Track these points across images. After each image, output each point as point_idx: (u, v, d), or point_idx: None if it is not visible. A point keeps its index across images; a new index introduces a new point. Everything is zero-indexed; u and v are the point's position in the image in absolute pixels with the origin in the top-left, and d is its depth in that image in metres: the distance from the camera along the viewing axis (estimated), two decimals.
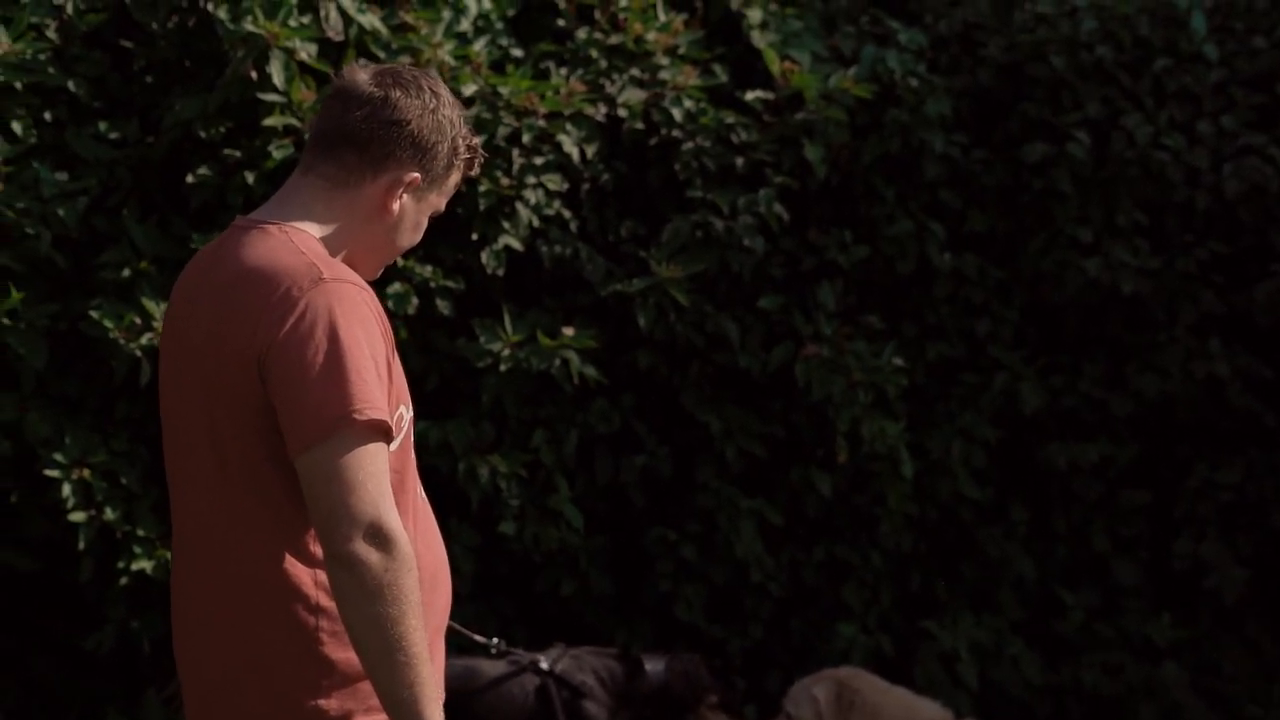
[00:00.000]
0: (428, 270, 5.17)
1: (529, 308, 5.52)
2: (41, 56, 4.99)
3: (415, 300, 5.18)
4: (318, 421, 2.65)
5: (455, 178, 3.01)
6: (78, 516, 4.84)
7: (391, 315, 5.08)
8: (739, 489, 5.70)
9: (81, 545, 4.84)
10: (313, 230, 2.86)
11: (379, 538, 2.62)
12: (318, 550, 2.73)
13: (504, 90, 5.14)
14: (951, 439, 5.90)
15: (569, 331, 5.22)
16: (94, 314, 4.79)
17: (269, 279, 2.75)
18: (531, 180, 5.27)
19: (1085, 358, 6.22)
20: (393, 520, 2.64)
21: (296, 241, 2.81)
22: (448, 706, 2.85)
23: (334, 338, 2.68)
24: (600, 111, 5.50)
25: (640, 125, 5.54)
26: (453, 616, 4.80)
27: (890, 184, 5.98)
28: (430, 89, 2.93)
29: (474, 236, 5.25)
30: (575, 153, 5.38)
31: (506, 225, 5.29)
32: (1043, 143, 6.03)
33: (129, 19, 5.15)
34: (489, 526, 5.42)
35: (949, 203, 6.05)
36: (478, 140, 3.06)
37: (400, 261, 5.13)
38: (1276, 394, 6.26)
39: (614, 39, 5.56)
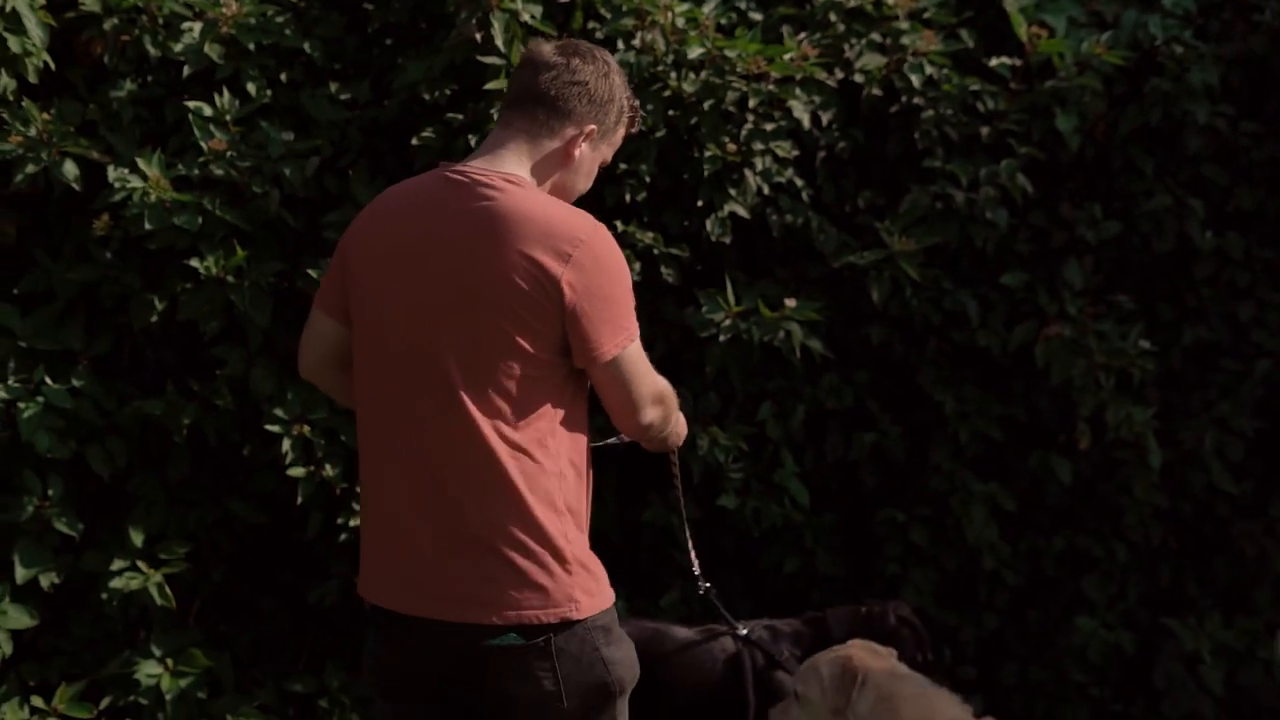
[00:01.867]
0: (649, 237, 5.08)
1: (759, 278, 5.40)
2: (280, 19, 5.08)
3: (639, 266, 5.11)
4: (613, 336, 3.31)
5: (621, 133, 3.60)
6: (297, 471, 4.91)
7: None
8: (973, 472, 5.49)
9: (300, 500, 4.91)
10: (523, 176, 3.40)
11: (665, 399, 3.49)
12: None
13: (730, 54, 5.01)
14: (1206, 428, 5.58)
15: (791, 303, 5.08)
16: (312, 272, 4.84)
17: (545, 223, 3.29)
18: (759, 147, 5.13)
19: None
20: (661, 381, 3.48)
21: (538, 194, 3.38)
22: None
23: (616, 274, 3.33)
24: (836, 77, 5.33)
25: (879, 91, 5.36)
26: (679, 589, 4.78)
27: (1149, 157, 5.67)
28: (602, 58, 3.53)
29: (699, 203, 5.14)
30: (806, 119, 5.23)
31: (733, 192, 5.16)
32: None
33: None
34: (711, 499, 5.32)
35: (1214, 178, 5.71)
36: (636, 101, 3.62)
37: (621, 226, 5.08)
38: None
39: (854, 2, 5.38)
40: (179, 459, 5.00)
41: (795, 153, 5.23)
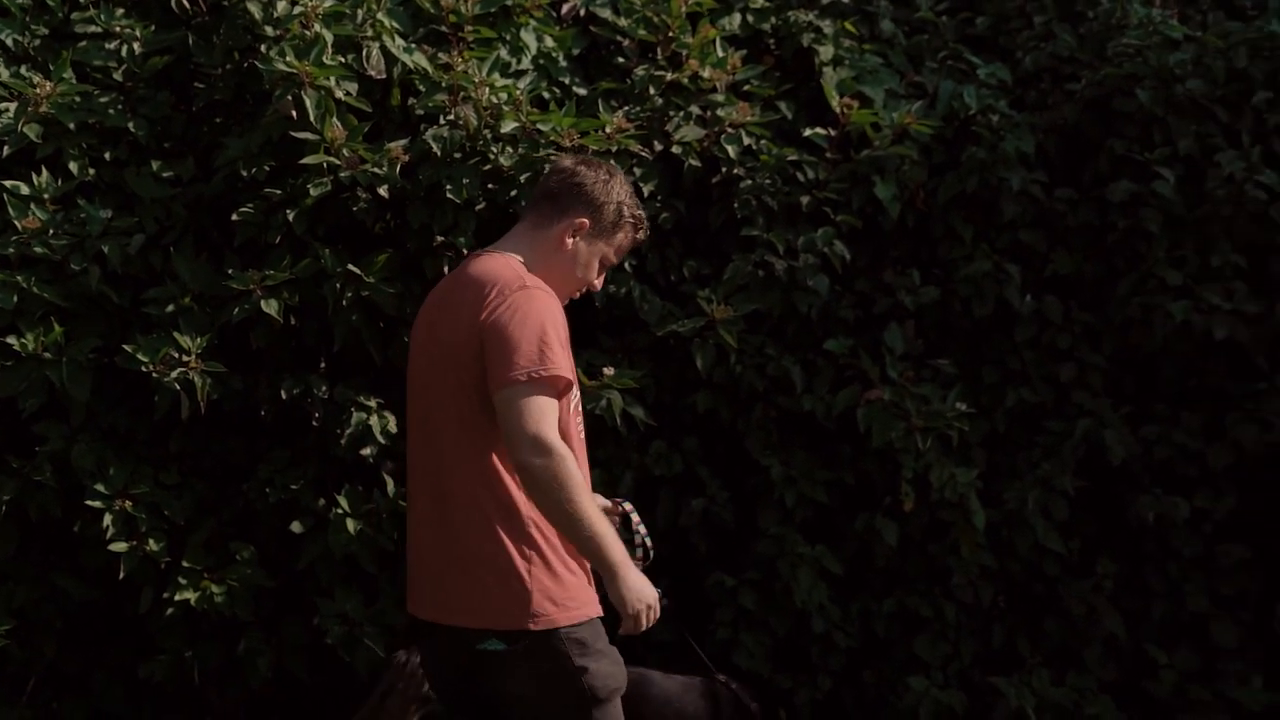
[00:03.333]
0: None
1: (586, 347, 5.48)
2: (104, 99, 5.15)
3: None
4: (506, 371, 3.89)
5: (622, 237, 4.28)
6: (119, 546, 4.94)
7: None
8: (801, 536, 5.56)
9: (122, 575, 4.93)
10: (520, 256, 4.15)
11: (540, 448, 3.84)
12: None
13: (544, 128, 5.11)
14: (1030, 489, 5.68)
15: (609, 371, 5.15)
16: (128, 348, 4.88)
17: (489, 283, 4.02)
18: None
19: (1183, 407, 5.92)
20: (550, 436, 3.85)
21: (510, 262, 4.09)
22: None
23: (526, 321, 3.92)
24: (656, 149, 5.44)
25: (697, 163, 5.47)
26: None
27: (968, 224, 5.80)
28: (608, 170, 4.28)
29: None
30: None
31: None
32: (1130, 181, 5.78)
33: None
34: None
35: (1031, 243, 5.84)
36: (641, 211, 4.30)
37: None
38: None
39: (672, 75, 5.50)
40: (3, 535, 5.02)
41: None
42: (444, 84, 5.14)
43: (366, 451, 5.15)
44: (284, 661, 5.29)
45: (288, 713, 5.52)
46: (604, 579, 3.99)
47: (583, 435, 4.24)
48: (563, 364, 3.96)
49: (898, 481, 5.57)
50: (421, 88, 5.18)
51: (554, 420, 3.91)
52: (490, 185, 5.18)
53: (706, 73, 5.46)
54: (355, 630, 5.13)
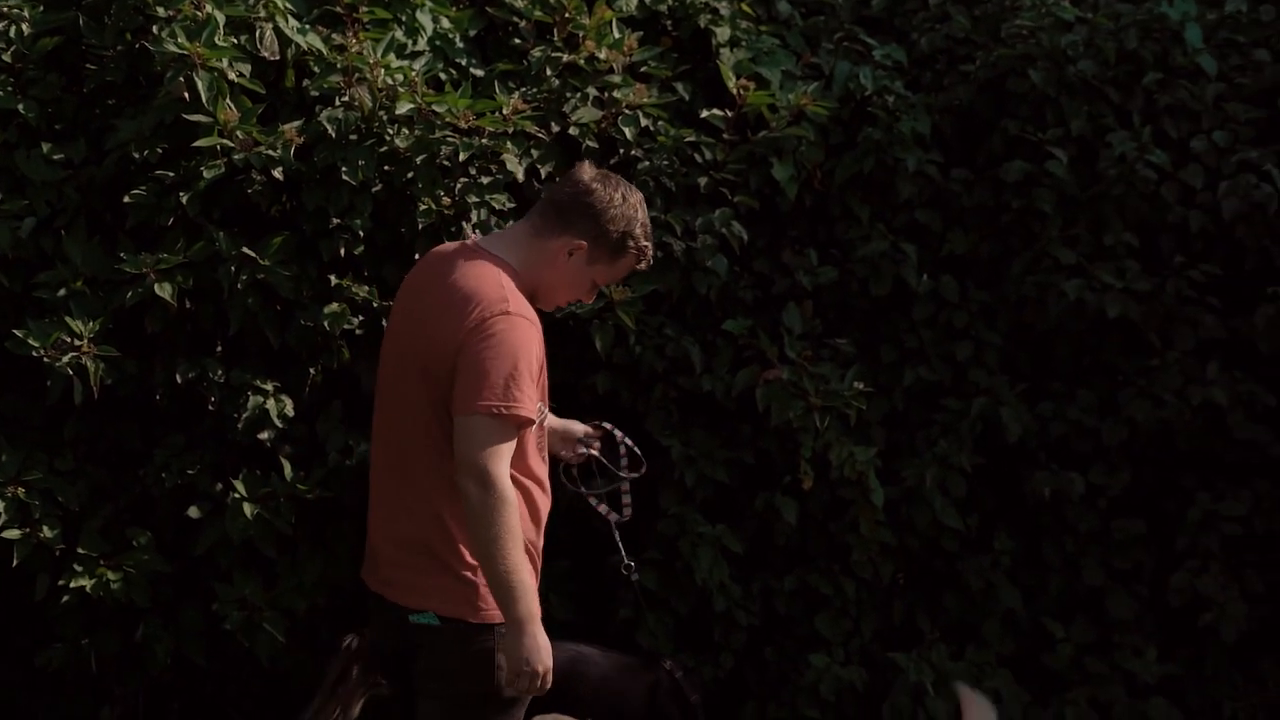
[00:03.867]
0: (365, 290, 5.14)
1: None
2: None
3: (359, 320, 5.16)
4: (472, 400, 3.99)
5: (623, 264, 4.31)
6: (12, 534, 4.89)
7: (327, 334, 5.10)
8: (702, 515, 5.59)
9: (15, 562, 4.88)
10: (513, 260, 4.20)
11: (488, 483, 3.95)
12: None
13: (440, 109, 5.10)
14: (928, 466, 5.72)
15: None
16: (19, 333, 4.83)
17: (473, 300, 4.07)
18: (474, 199, 5.21)
19: (1078, 384, 6.00)
20: (499, 470, 3.97)
21: (498, 274, 4.12)
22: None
23: (500, 352, 4.01)
24: (553, 131, 5.44)
25: (595, 144, 5.47)
26: None
27: (865, 204, 5.84)
28: (624, 193, 4.26)
29: (416, 256, 5.21)
30: (521, 172, 5.32)
31: None
32: (1024, 161, 5.85)
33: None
34: None
35: (927, 223, 5.89)
36: (649, 243, 4.34)
37: (335, 280, 5.14)
38: None
39: (569, 57, 5.50)
40: None
41: (512, 205, 5.32)
42: (339, 65, 5.11)
43: (264, 435, 5.13)
44: (183, 648, 5.25)
45: (187, 699, 5.49)
46: (507, 628, 4.09)
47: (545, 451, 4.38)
48: (526, 402, 4.03)
49: (797, 460, 5.60)
50: (316, 69, 5.16)
51: (507, 456, 4.03)
52: (386, 167, 5.17)
53: (603, 54, 5.46)
54: (254, 616, 5.11)
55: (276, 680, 5.47)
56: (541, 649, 4.09)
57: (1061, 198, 5.89)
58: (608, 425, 4.71)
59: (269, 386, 5.13)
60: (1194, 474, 6.03)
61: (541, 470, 4.32)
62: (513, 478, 4.09)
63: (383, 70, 5.11)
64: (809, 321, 5.74)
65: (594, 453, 4.85)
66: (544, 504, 4.35)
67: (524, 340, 4.07)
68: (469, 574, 4.13)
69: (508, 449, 4.03)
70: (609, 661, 5.10)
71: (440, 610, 4.15)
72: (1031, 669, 5.87)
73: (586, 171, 4.29)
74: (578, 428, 4.82)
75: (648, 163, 5.51)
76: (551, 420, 4.66)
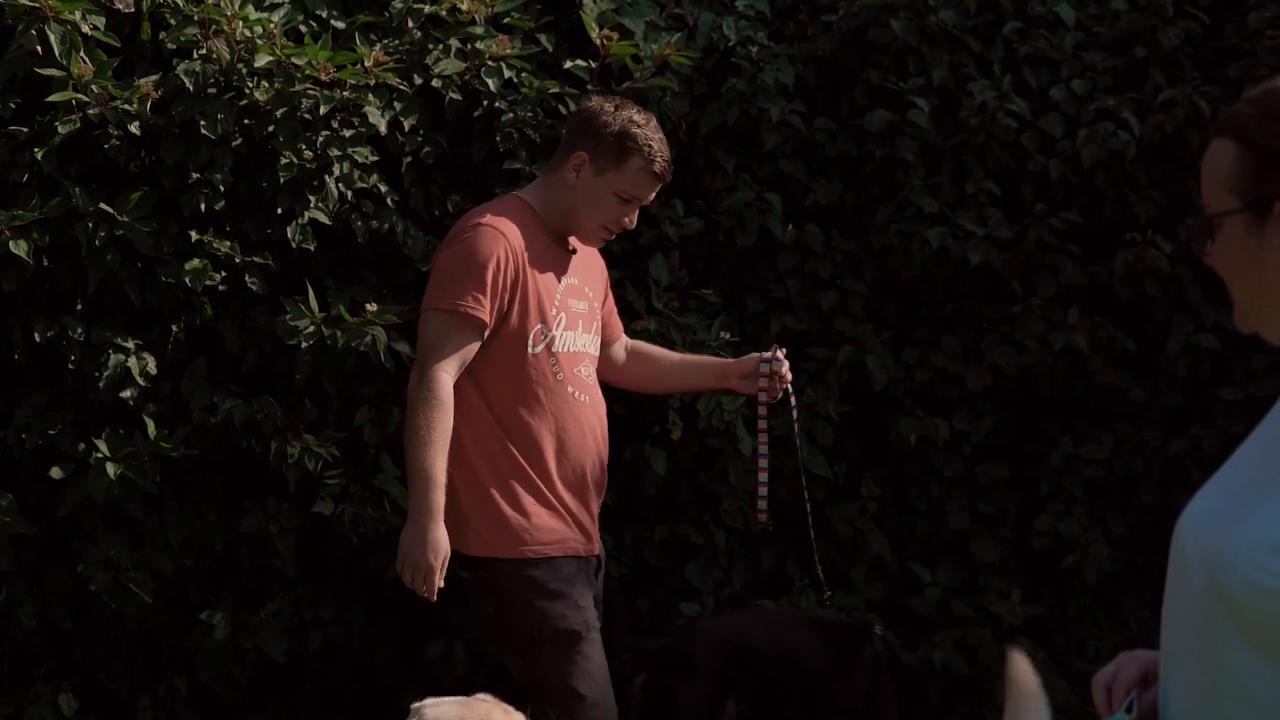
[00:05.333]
0: (227, 246, 5.09)
1: (350, 284, 5.44)
2: None
3: (221, 275, 5.12)
4: (426, 299, 4.22)
5: (634, 168, 4.28)
6: None
7: (189, 291, 5.05)
8: None
9: None
10: (530, 198, 4.36)
11: (424, 379, 4.11)
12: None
13: (300, 61, 5.05)
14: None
15: (372, 307, 5.12)
16: None
17: (462, 219, 4.33)
18: (337, 153, 5.17)
19: (942, 331, 6.07)
20: (436, 369, 4.11)
21: (503, 203, 4.36)
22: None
23: (460, 254, 4.16)
24: (416, 83, 5.40)
25: (458, 96, 5.44)
26: (284, 598, 4.93)
27: (730, 155, 5.86)
28: (617, 104, 4.37)
29: (279, 211, 5.17)
30: (383, 125, 5.29)
31: (314, 199, 5.20)
32: (886, 110, 5.89)
33: None
34: (308, 506, 5.33)
35: (792, 173, 5.92)
36: (654, 142, 4.31)
37: (196, 235, 5.09)
38: (1141, 367, 6.09)
39: (431, 8, 5.46)
40: None
41: (375, 158, 5.29)
42: (195, 17, 5.05)
43: (126, 394, 5.07)
44: (48, 611, 5.20)
45: (53, 663, 5.42)
46: (407, 518, 4.17)
47: (574, 384, 4.34)
48: (476, 303, 4.12)
49: (666, 411, 5.63)
50: (172, 21, 5.09)
51: (451, 353, 4.14)
52: (246, 121, 5.12)
53: (465, 5, 5.42)
54: (121, 576, 5.07)
55: (144, 640, 5.43)
56: (430, 545, 4.11)
57: (924, 147, 5.95)
58: (780, 354, 4.62)
59: (130, 344, 5.07)
60: (1056, 419, 6.13)
61: (554, 402, 4.30)
62: (512, 408, 4.22)
63: (240, 22, 5.05)
64: (676, 273, 5.77)
65: (781, 375, 4.63)
66: (560, 437, 4.32)
67: (488, 246, 4.15)
68: (467, 511, 4.24)
69: (453, 346, 4.13)
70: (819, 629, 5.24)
71: (461, 550, 4.25)
72: (900, 613, 5.95)
73: (594, 102, 4.47)
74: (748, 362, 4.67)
75: (511, 115, 5.49)
76: (699, 360, 4.85)
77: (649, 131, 4.33)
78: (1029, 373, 6.00)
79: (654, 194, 4.44)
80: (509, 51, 5.44)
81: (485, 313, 4.15)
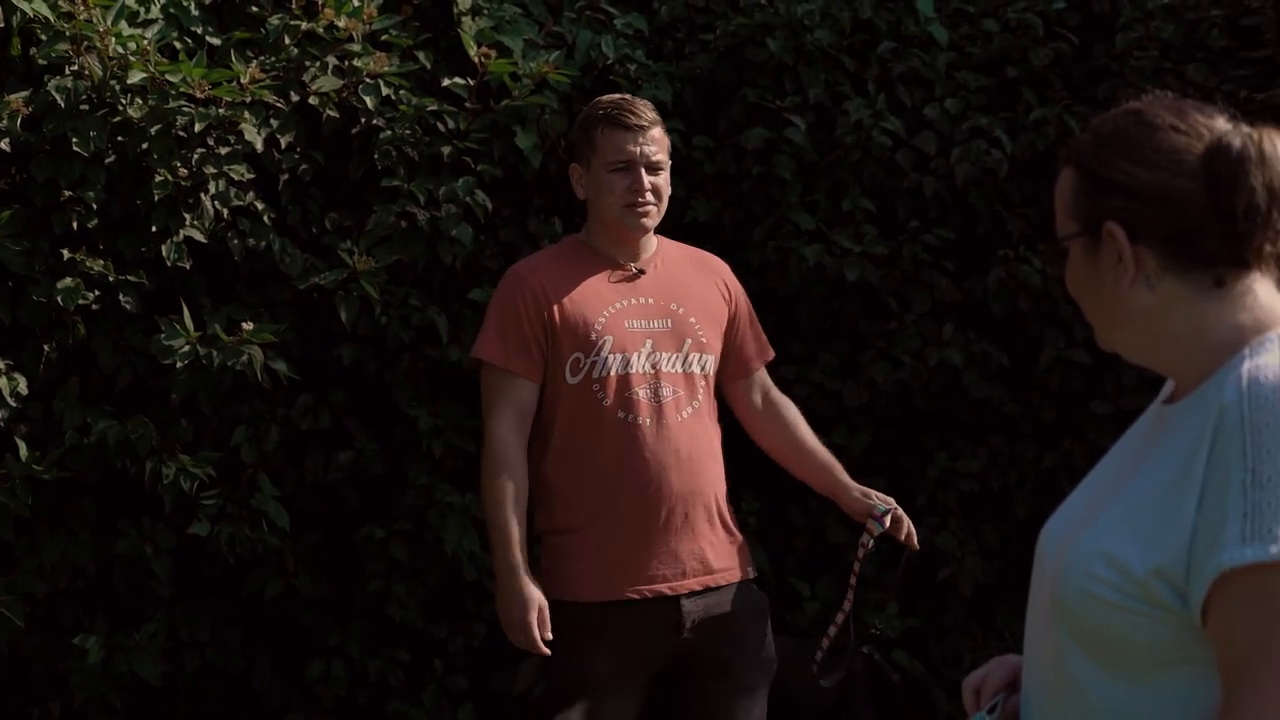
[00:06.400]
0: (99, 264, 5.02)
1: (226, 302, 5.39)
2: None
3: (95, 294, 5.06)
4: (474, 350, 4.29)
5: (601, 134, 4.22)
6: None
7: (62, 310, 4.98)
8: (450, 485, 5.58)
9: None
10: (582, 232, 4.48)
11: (483, 438, 4.17)
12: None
13: (174, 79, 5.00)
14: None
15: (249, 326, 5.08)
16: None
17: None
18: (212, 170, 5.13)
19: (820, 347, 6.12)
20: (491, 425, 4.16)
21: (555, 244, 4.64)
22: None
23: (490, 308, 4.27)
24: (293, 100, 5.37)
25: (336, 114, 5.42)
26: (160, 620, 4.87)
27: None
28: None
29: (154, 229, 5.11)
30: (260, 142, 5.25)
31: (189, 217, 5.15)
32: (764, 128, 5.94)
33: None
34: (185, 527, 5.28)
35: (671, 191, 5.94)
36: (612, 99, 4.29)
37: (68, 254, 5.02)
38: (1015, 382, 6.19)
39: (308, 25, 5.43)
40: None
41: (251, 176, 5.25)
42: (67, 33, 4.97)
43: None
44: None
45: None
46: (502, 579, 4.14)
47: (627, 408, 4.17)
48: (487, 348, 4.19)
49: None
50: (43, 37, 5.01)
51: (496, 406, 4.17)
52: (120, 138, 5.05)
53: (342, 22, 5.40)
54: None
55: (17, 666, 5.34)
56: (517, 601, 4.05)
57: (800, 164, 6.00)
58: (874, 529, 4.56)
59: (1, 365, 4.99)
60: (932, 433, 6.21)
61: (598, 431, 4.17)
62: (559, 446, 4.20)
63: (113, 39, 4.99)
64: None
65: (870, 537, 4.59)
66: (600, 466, 4.18)
67: (507, 291, 4.20)
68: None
69: (501, 399, 4.16)
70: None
71: None
72: (779, 627, 5.97)
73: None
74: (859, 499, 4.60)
75: (390, 132, 5.47)
76: (820, 460, 4.67)
77: (603, 98, 4.31)
78: (905, 388, 6.07)
79: (649, 147, 4.28)
80: (387, 69, 5.42)
81: (498, 356, 4.19)
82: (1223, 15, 6.33)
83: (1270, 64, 5.97)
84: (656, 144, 4.27)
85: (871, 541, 4.59)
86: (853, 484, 4.62)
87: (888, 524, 4.53)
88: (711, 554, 4.27)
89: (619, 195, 4.21)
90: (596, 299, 4.22)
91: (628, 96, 4.32)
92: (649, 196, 4.24)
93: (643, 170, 4.22)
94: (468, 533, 5.53)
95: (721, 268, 4.55)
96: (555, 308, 4.17)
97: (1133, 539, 1.99)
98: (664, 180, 4.30)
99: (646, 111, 4.25)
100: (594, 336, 4.15)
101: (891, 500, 4.58)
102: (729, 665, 4.27)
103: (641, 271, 4.31)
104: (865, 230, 6.00)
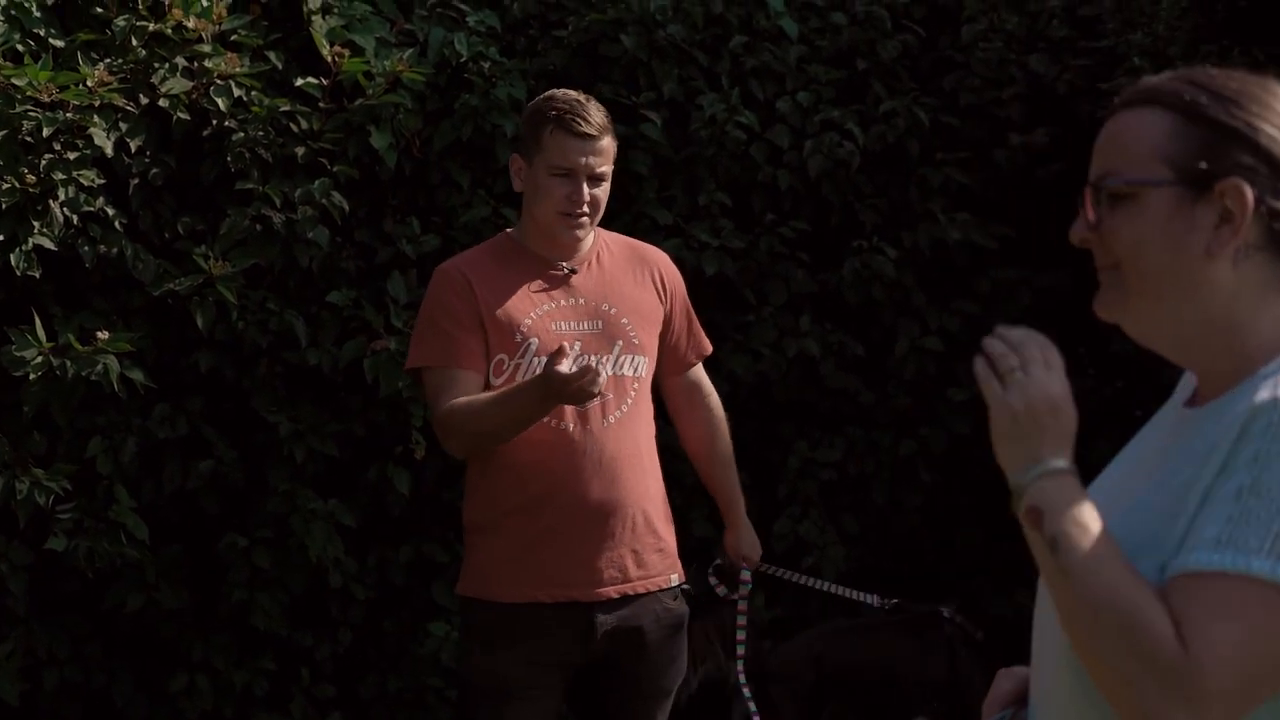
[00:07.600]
0: None
1: (78, 310, 5.27)
2: None
3: None
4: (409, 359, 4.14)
5: (547, 136, 3.99)
6: None
7: None
8: (313, 490, 5.51)
9: None
10: (513, 229, 4.24)
11: (437, 425, 4.03)
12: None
13: (20, 82, 4.87)
14: None
15: (103, 335, 4.97)
16: None
17: None
18: (61, 176, 5.01)
19: None
20: (440, 411, 3.95)
21: (487, 242, 4.33)
22: None
23: (421, 311, 4.13)
24: (141, 103, 5.26)
25: (186, 116, 5.31)
26: (16, 637, 4.74)
27: (465, 170, 5.84)
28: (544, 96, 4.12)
29: (2, 238, 4.98)
30: (110, 146, 5.14)
31: (38, 224, 5.03)
32: (620, 124, 5.92)
33: None
34: (40, 543, 5.15)
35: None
36: (562, 95, 4.06)
37: None
38: (870, 371, 6.26)
39: (155, 26, 5.32)
40: None
41: (102, 181, 5.13)
42: None
43: None
44: None
45: None
46: (539, 400, 3.81)
47: (569, 420, 3.98)
48: (425, 353, 4.02)
49: (408, 430, 5.58)
50: None
51: (440, 395, 3.95)
52: None
53: (191, 22, 5.29)
54: None
55: None
56: (550, 391, 3.75)
57: (656, 159, 6.01)
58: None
59: None
60: (792, 424, 6.26)
61: (527, 433, 3.93)
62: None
63: None
64: (414, 290, 5.71)
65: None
66: (521, 472, 4.00)
67: (436, 289, 4.06)
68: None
69: (440, 397, 3.94)
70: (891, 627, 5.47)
71: None
72: None
73: None
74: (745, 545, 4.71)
75: (242, 134, 5.38)
76: (726, 487, 4.69)
77: (558, 95, 4.06)
78: (764, 379, 6.12)
79: (595, 158, 4.03)
80: (238, 69, 5.33)
81: (461, 354, 3.96)
82: (1062, 6, 6.45)
83: (1111, 54, 6.09)
84: (603, 155, 4.06)
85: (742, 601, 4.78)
86: (745, 528, 4.68)
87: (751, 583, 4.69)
88: (632, 562, 4.09)
89: (556, 202, 4.01)
90: (524, 299, 4.03)
91: (581, 99, 4.05)
92: (585, 209, 4.03)
93: (584, 182, 4.02)
94: (332, 539, 5.46)
95: (660, 260, 4.34)
96: (482, 306, 3.98)
97: (1142, 543, 1.85)
98: (604, 191, 4.09)
99: (598, 118, 4.04)
100: (519, 338, 3.98)
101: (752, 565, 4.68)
102: (637, 677, 4.19)
103: (573, 271, 4.10)
104: (722, 224, 6.03)
